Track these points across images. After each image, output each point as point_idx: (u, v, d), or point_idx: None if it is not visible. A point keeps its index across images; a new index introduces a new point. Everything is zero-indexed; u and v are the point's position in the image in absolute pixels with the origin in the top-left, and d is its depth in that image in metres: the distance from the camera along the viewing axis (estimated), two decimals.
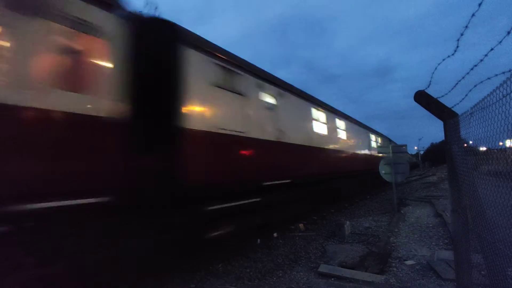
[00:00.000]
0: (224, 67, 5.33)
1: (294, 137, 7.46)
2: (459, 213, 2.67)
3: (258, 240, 6.06)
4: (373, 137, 17.47)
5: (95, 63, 3.45)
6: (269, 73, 7.10)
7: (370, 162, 15.22)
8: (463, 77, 2.16)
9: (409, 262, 4.64)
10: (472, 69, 2.00)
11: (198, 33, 4.95)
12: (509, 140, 1.69)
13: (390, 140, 22.07)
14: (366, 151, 15.41)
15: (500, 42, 1.68)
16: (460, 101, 2.38)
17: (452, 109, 2.74)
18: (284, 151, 7.05)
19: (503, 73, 1.65)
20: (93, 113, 3.31)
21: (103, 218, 3.35)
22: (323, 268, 4.45)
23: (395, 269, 4.40)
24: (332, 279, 4.15)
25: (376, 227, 7.35)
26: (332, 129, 10.42)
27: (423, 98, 2.91)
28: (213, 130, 4.88)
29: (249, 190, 5.62)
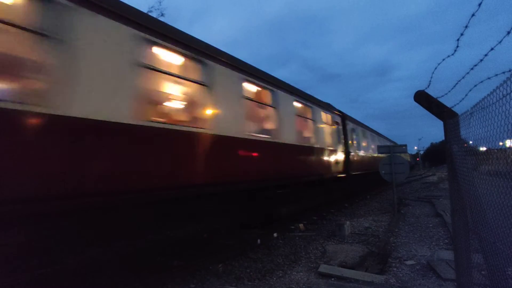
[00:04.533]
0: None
1: None
2: (459, 213, 2.66)
3: (258, 240, 6.06)
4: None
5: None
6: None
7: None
8: (463, 77, 2.16)
9: (409, 262, 4.64)
10: (472, 68, 1.99)
11: (196, 32, 5.89)
12: (509, 140, 1.69)
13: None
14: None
15: (500, 41, 1.68)
16: (460, 101, 2.38)
17: (452, 109, 2.74)
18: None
19: (503, 72, 1.65)
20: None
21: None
22: (323, 268, 4.45)
23: (395, 269, 4.40)
24: (332, 279, 4.15)
25: (376, 227, 7.35)
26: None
27: (423, 98, 2.91)
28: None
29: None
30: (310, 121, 8.49)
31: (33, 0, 2.98)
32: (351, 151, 11.80)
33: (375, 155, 16.79)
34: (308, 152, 8.06)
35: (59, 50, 3.02)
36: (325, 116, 9.60)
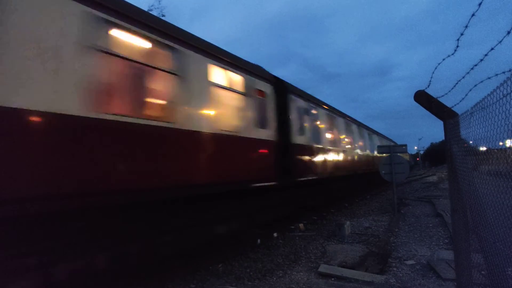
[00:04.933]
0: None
1: None
2: (459, 213, 2.66)
3: (258, 240, 6.06)
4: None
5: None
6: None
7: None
8: (463, 77, 2.16)
9: (409, 262, 4.64)
10: (472, 68, 1.99)
11: (194, 31, 5.51)
12: (509, 140, 1.69)
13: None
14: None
15: (501, 41, 1.68)
16: (460, 101, 2.38)
17: (452, 109, 2.74)
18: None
19: (503, 72, 1.65)
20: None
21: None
22: (323, 268, 4.45)
23: (395, 269, 4.40)
24: (332, 279, 4.15)
25: (376, 227, 7.35)
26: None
27: (423, 98, 2.91)
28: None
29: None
30: (168, 77, 4.39)
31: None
32: (296, 141, 7.62)
33: (354, 152, 13.55)
34: (155, 140, 4.05)
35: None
36: (226, 77, 5.63)
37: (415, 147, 78.19)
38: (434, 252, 5.02)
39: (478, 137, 1.95)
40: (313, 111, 9.23)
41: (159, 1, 22.30)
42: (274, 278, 4.27)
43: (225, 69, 5.58)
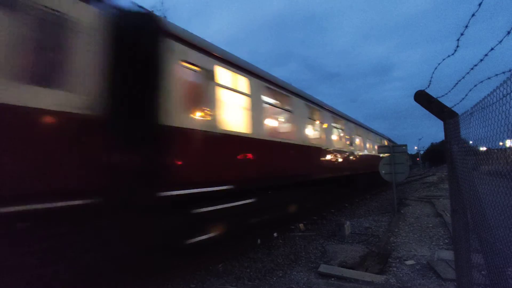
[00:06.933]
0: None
1: None
2: (459, 213, 2.66)
3: (258, 240, 6.05)
4: None
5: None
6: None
7: None
8: (463, 77, 2.16)
9: (409, 262, 4.64)
10: (472, 68, 1.99)
11: (193, 31, 4.49)
12: (509, 140, 1.69)
13: None
14: None
15: (501, 41, 1.67)
16: (460, 101, 2.38)
17: (452, 109, 2.74)
18: None
19: (503, 72, 1.65)
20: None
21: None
22: (323, 268, 4.45)
23: (395, 269, 4.40)
24: (332, 279, 4.15)
25: (376, 227, 7.35)
26: None
27: (423, 98, 2.91)
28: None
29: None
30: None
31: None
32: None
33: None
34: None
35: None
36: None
37: (415, 147, 78.09)
38: (434, 252, 5.02)
39: (478, 137, 1.95)
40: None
41: (162, 3, 22.37)
42: (274, 278, 4.27)
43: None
